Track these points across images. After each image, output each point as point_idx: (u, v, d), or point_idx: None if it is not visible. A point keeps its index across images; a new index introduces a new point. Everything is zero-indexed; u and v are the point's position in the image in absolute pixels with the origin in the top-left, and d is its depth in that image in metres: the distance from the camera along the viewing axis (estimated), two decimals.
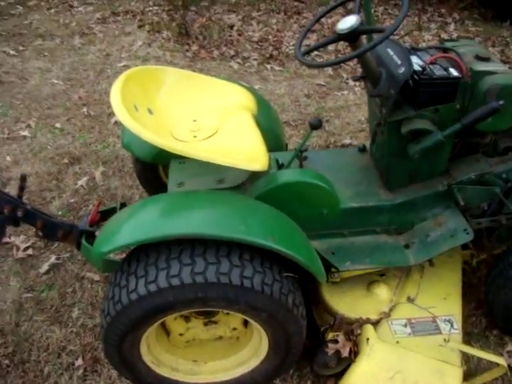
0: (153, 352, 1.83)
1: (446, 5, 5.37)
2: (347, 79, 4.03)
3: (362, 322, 2.00)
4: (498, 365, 1.93)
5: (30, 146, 3.31)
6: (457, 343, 1.96)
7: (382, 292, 2.11)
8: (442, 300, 2.11)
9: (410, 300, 2.10)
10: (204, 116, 2.04)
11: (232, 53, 4.30)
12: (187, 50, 4.29)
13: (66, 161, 3.17)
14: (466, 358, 2.10)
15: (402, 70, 1.75)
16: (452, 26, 4.97)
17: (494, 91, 1.73)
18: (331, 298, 2.09)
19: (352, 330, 2.00)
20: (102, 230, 1.73)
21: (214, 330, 1.98)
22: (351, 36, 1.69)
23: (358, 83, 3.92)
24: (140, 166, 2.54)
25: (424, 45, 4.54)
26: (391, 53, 1.87)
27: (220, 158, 1.77)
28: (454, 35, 4.81)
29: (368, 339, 1.92)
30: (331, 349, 1.93)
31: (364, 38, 1.91)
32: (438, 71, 1.83)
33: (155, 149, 2.18)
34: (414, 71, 1.82)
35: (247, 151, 1.86)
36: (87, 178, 3.02)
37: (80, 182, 2.99)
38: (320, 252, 1.93)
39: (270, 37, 4.55)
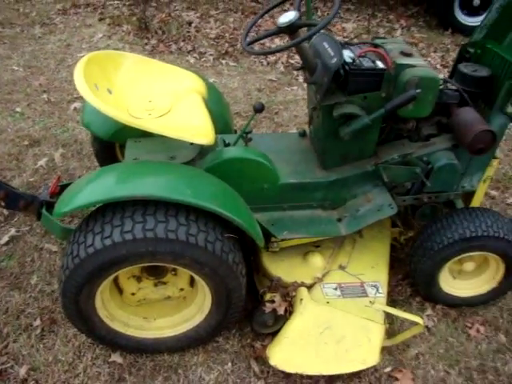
0: (107, 307, 2.01)
1: (395, 12, 5.74)
2: (297, 76, 4.29)
3: (297, 286, 2.24)
4: (416, 324, 2.21)
5: None
6: (381, 305, 2.22)
7: (317, 260, 2.36)
8: (370, 268, 2.38)
9: (342, 267, 2.36)
10: (158, 97, 2.24)
11: (189, 48, 4.50)
12: (146, 44, 4.46)
13: (26, 143, 3.28)
14: (391, 320, 2.37)
15: (333, 60, 1.99)
16: (399, 32, 5.34)
17: (414, 82, 1.99)
18: (270, 264, 2.32)
19: (288, 292, 2.23)
20: (62, 194, 1.90)
21: (163, 291, 2.18)
22: (290, 29, 1.93)
23: None
24: (98, 145, 2.70)
25: None
26: (326, 46, 2.11)
27: (171, 132, 1.98)
28: None
29: (301, 299, 2.17)
30: (268, 308, 2.17)
31: (303, 31, 2.14)
32: (367, 63, 2.08)
33: (113, 128, 2.37)
34: (346, 62, 2.07)
35: (196, 127, 2.06)
36: (47, 159, 3.15)
37: (40, 163, 3.11)
38: (261, 223, 2.17)
39: (226, 34, 4.77)
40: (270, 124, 3.63)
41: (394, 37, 5.18)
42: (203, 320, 2.08)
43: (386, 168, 2.23)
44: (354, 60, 2.08)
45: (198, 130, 2.06)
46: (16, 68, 4.05)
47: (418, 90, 1.99)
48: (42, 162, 3.11)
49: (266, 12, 2.23)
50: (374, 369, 2.18)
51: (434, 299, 2.47)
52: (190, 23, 4.89)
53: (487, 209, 2.35)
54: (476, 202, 2.56)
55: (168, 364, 2.15)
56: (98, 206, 1.86)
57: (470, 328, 2.39)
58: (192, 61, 4.38)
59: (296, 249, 2.37)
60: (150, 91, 2.27)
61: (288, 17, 1.93)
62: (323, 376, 2.10)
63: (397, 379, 2.15)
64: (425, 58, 4.84)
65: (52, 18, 4.90)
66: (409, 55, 2.12)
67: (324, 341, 2.07)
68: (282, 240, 2.29)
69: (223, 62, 4.43)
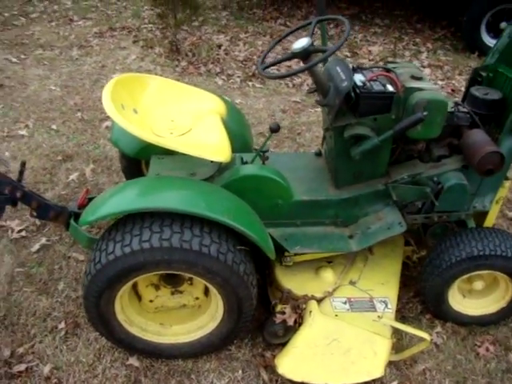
0: (126, 312, 2.14)
1: (421, 35, 5.82)
2: None
3: (307, 299, 2.33)
4: (423, 340, 2.26)
5: (27, 143, 3.64)
6: (389, 320, 2.28)
7: (328, 275, 2.45)
8: (380, 285, 2.45)
9: (352, 283, 2.44)
10: (180, 117, 2.40)
11: (218, 70, 4.70)
12: (177, 66, 4.69)
13: (59, 158, 3.50)
14: (400, 336, 2.42)
15: (344, 84, 2.11)
16: (424, 55, 5.41)
17: (422, 104, 2.08)
18: (283, 278, 2.41)
19: (298, 304, 2.32)
20: (89, 205, 2.07)
21: (179, 299, 2.30)
22: (303, 54, 2.06)
23: None
24: (125, 162, 2.87)
25: None
26: (339, 70, 2.23)
27: (191, 150, 2.13)
28: (425, 63, 5.24)
29: (311, 311, 2.25)
30: (279, 318, 2.26)
31: (316, 55, 2.27)
32: (377, 87, 2.19)
33: (138, 145, 2.54)
34: (357, 85, 2.18)
35: (214, 146, 2.20)
36: (78, 174, 3.36)
37: (71, 177, 3.32)
38: (275, 237, 2.29)
39: (254, 57, 4.96)
40: (292, 144, 3.76)
41: (419, 60, 5.27)
42: (216, 328, 2.19)
43: (395, 187, 2.31)
44: (364, 84, 2.18)
45: (216, 148, 2.19)
46: (53, 88, 4.33)
47: (425, 113, 2.07)
48: (74, 176, 3.32)
49: (282, 39, 2.37)
50: (381, 382, 2.23)
51: (443, 317, 2.50)
52: (219, 46, 5.11)
53: (496, 228, 2.39)
54: (489, 222, 2.60)
55: (182, 369, 2.26)
56: (120, 216, 2.02)
57: (480, 347, 2.41)
58: (220, 82, 4.58)
59: (309, 264, 2.46)
60: (173, 111, 2.43)
61: (301, 43, 2.07)
62: None
63: None
64: (449, 80, 4.89)
65: (89, 40, 5.21)
66: (419, 79, 2.21)
67: (331, 352, 2.14)
68: (296, 255, 2.40)
69: (250, 83, 4.60)
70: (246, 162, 2.46)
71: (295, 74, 2.16)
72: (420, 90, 2.13)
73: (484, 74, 2.47)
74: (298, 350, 2.16)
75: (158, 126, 2.33)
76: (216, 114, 2.39)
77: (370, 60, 5.01)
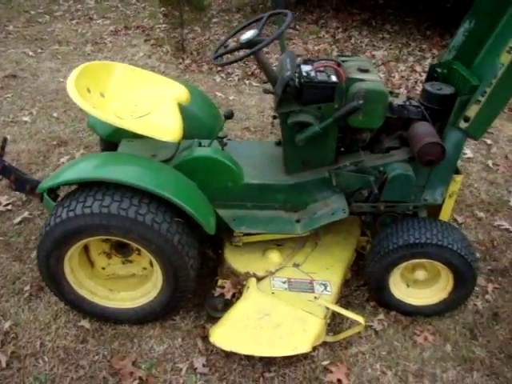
0: (76, 275, 2.33)
1: (429, 41, 5.82)
2: None
3: (249, 276, 2.45)
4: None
5: (28, 129, 3.94)
6: (324, 301, 2.37)
7: (274, 256, 2.56)
8: (324, 269, 2.54)
9: (296, 265, 2.54)
10: (142, 102, 2.57)
11: (219, 68, 4.88)
12: (180, 63, 4.91)
13: (54, 143, 3.77)
14: (340, 320, 2.50)
15: (287, 73, 2.24)
16: (428, 61, 5.41)
17: (360, 94, 2.17)
18: (230, 257, 2.55)
19: (239, 281, 2.45)
20: (49, 175, 2.28)
21: (129, 268, 2.48)
22: (249, 44, 2.22)
23: None
24: (103, 145, 3.07)
25: (397, 75, 5.01)
26: (287, 61, 2.36)
27: (143, 130, 2.31)
28: (427, 68, 5.22)
29: (248, 287, 2.38)
30: (217, 292, 2.40)
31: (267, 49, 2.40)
32: (321, 77, 2.30)
33: (111, 128, 2.74)
34: (302, 75, 2.31)
35: (165, 128, 2.37)
36: (68, 157, 3.61)
37: (62, 160, 3.57)
38: (223, 217, 2.43)
39: None
40: (275, 138, 3.86)
41: (422, 65, 5.27)
42: (157, 295, 2.34)
43: (337, 174, 2.41)
44: (308, 74, 2.30)
45: (168, 130, 2.36)
46: (62, 80, 4.63)
47: (361, 101, 2.17)
48: (64, 159, 3.57)
49: (236, 33, 2.51)
50: (312, 360, 2.32)
51: (387, 305, 2.56)
52: (225, 46, 5.27)
53: (439, 220, 2.44)
54: (444, 216, 2.64)
55: (127, 333, 2.42)
56: (74, 185, 2.22)
57: (419, 336, 2.46)
58: (218, 80, 4.76)
59: (258, 245, 2.58)
60: (137, 97, 2.61)
61: (247, 35, 2.23)
62: (260, 359, 2.28)
63: (331, 372, 2.27)
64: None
65: (104, 38, 5.53)
66: (364, 71, 2.31)
67: (261, 326, 2.25)
68: (244, 235, 2.53)
69: (247, 82, 4.76)
70: (203, 146, 2.62)
71: (240, 60, 2.29)
72: (361, 80, 2.23)
73: (439, 70, 2.54)
74: (231, 321, 2.27)
75: (121, 109, 2.51)
76: (174, 100, 2.55)
77: (373, 63, 5.08)
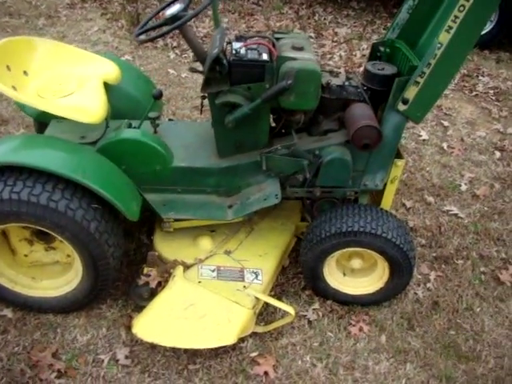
0: None
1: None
2: None
3: (176, 263, 2.34)
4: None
5: None
6: (253, 290, 2.27)
7: (205, 243, 2.45)
8: (256, 256, 2.43)
9: (227, 252, 2.43)
10: (67, 81, 2.40)
11: (174, 44, 4.68)
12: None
13: None
14: (274, 310, 2.41)
15: (214, 50, 2.09)
16: None
17: (291, 73, 2.04)
18: (160, 243, 2.44)
19: (167, 268, 2.34)
20: None
21: (53, 256, 2.35)
22: (174, 20, 2.06)
23: None
24: (37, 125, 2.91)
25: (358, 53, 4.87)
26: (217, 38, 2.22)
27: (61, 111, 2.17)
28: None
29: (174, 276, 2.27)
30: (142, 280, 2.28)
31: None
32: (251, 55, 2.16)
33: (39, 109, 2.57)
34: (231, 53, 2.16)
35: (85, 109, 2.22)
36: None
37: None
38: (152, 202, 2.31)
39: (212, 33, 4.92)
40: None
41: None
42: (79, 284, 2.22)
43: (268, 157, 2.28)
44: (237, 51, 2.16)
45: (87, 111, 2.21)
46: None
47: (290, 81, 2.05)
48: None
49: (161, 10, 2.33)
50: (240, 351, 2.24)
51: (322, 294, 2.48)
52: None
53: (375, 207, 2.34)
54: (386, 202, 2.55)
55: (50, 322, 2.31)
56: None
57: (354, 326, 2.38)
58: (172, 56, 4.57)
59: (190, 231, 2.47)
60: (63, 75, 2.43)
61: (172, 10, 2.08)
62: (185, 350, 2.18)
63: (258, 364, 2.19)
64: None
65: (59, 11, 5.26)
66: (299, 49, 2.17)
67: (185, 316, 2.15)
68: (175, 221, 2.41)
69: None
70: (133, 127, 2.48)
71: (162, 35, 2.14)
72: (293, 59, 2.10)
73: (382, 49, 2.42)
74: (154, 311, 2.17)
75: (45, 88, 2.34)
76: (99, 79, 2.39)
77: (333, 41, 4.93)
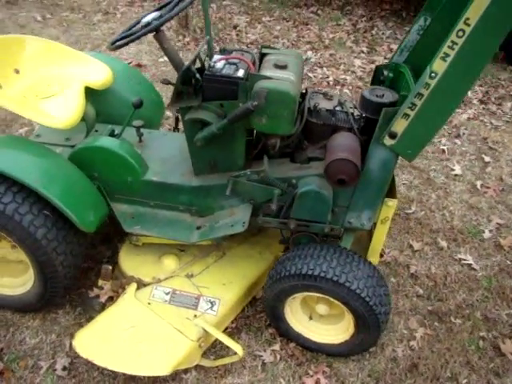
0: None
1: None
2: None
3: (133, 280, 2.26)
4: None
5: None
6: (203, 321, 2.12)
7: (169, 263, 2.34)
8: (219, 284, 2.29)
9: (189, 276, 2.31)
10: (55, 82, 2.41)
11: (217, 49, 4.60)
12: (179, 41, 4.69)
13: None
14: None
15: (186, 63, 1.98)
16: None
17: (262, 94, 1.86)
18: (124, 255, 2.37)
19: (122, 283, 2.27)
20: None
21: (17, 254, 2.33)
22: (151, 28, 1.97)
23: None
24: None
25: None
26: (197, 48, 2.10)
27: (32, 115, 2.18)
28: None
29: (125, 293, 2.18)
30: (94, 292, 2.23)
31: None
32: (227, 70, 2.01)
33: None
34: (205, 67, 2.04)
35: (61, 115, 2.19)
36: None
37: None
38: (121, 214, 2.27)
39: (262, 40, 4.78)
40: None
41: None
42: (32, 287, 2.21)
43: (237, 182, 2.12)
44: (212, 66, 2.02)
45: (61, 117, 2.18)
46: None
47: (255, 103, 1.89)
48: None
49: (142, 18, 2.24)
50: (179, 383, 2.10)
51: (285, 335, 2.27)
52: (235, 27, 5.01)
53: (348, 250, 2.10)
54: (376, 244, 2.30)
55: (6, 320, 2.32)
56: None
57: (310, 376, 2.16)
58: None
59: (158, 248, 2.38)
60: (52, 75, 2.44)
61: (148, 17, 1.99)
62: (124, 373, 2.08)
63: None
64: None
65: (117, 8, 5.39)
66: (281, 67, 2.00)
67: (125, 338, 2.06)
68: (143, 235, 2.33)
69: None
70: (115, 134, 2.43)
71: (133, 40, 2.04)
72: (265, 78, 1.92)
73: (386, 73, 2.18)
74: (95, 327, 2.10)
75: (32, 88, 2.37)
76: (82, 83, 2.36)
77: (385, 58, 4.58)
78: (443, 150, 3.58)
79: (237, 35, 4.88)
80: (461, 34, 1.66)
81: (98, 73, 2.47)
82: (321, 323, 2.23)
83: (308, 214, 2.14)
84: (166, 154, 2.40)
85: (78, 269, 2.25)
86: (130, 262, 2.34)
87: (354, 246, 2.46)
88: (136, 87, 2.71)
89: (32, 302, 2.25)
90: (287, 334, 2.25)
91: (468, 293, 2.59)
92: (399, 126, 1.87)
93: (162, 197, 2.28)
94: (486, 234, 2.92)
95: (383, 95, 2.01)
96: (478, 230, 2.96)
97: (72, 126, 2.19)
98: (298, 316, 2.22)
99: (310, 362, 2.22)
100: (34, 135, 2.54)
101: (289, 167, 2.20)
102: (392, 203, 2.16)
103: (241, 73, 1.99)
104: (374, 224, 2.22)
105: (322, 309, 2.15)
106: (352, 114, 2.10)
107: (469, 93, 4.26)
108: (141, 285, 2.25)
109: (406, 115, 1.85)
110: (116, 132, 2.42)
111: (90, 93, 2.40)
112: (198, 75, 2.01)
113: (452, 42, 1.68)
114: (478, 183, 3.29)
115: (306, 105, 2.13)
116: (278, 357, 2.23)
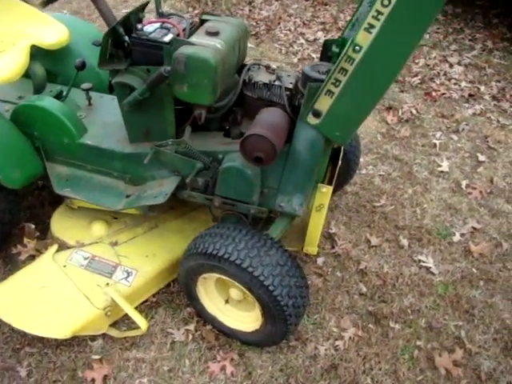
0: None
1: (489, 31, 4.75)
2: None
3: (57, 242, 2.24)
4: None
5: None
6: (113, 291, 2.07)
7: (97, 229, 2.31)
8: (141, 256, 2.23)
9: (113, 244, 2.26)
10: (6, 39, 2.39)
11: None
12: (187, 12, 4.61)
13: None
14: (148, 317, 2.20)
15: (115, 23, 1.91)
16: (473, 53, 4.38)
17: (181, 59, 1.76)
18: (57, 218, 2.36)
19: (46, 244, 2.26)
20: None
21: None
22: None
23: None
24: None
25: (422, 62, 4.21)
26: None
27: None
28: (466, 61, 4.26)
29: (42, 254, 2.17)
30: (17, 249, 2.24)
31: None
32: (155, 34, 1.92)
33: None
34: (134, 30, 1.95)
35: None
36: None
37: None
38: (56, 175, 2.27)
39: (273, 17, 4.61)
40: None
41: (462, 56, 4.32)
42: None
43: (159, 152, 2.04)
44: (139, 29, 1.93)
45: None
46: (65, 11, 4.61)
47: (168, 68, 1.79)
48: None
49: None
50: (83, 349, 2.08)
51: (203, 317, 2.18)
52: (250, 2, 4.86)
53: (261, 234, 1.94)
54: (312, 232, 2.17)
55: None
56: None
57: (217, 362, 2.06)
58: None
59: (93, 212, 2.34)
60: (6, 32, 2.43)
61: None
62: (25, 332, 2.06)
63: (91, 368, 2.01)
64: (477, 85, 3.94)
65: None
66: (212, 34, 1.89)
67: (34, 297, 2.05)
68: (70, 198, 2.30)
69: None
70: (61, 96, 2.41)
71: None
72: (189, 44, 1.82)
73: (334, 48, 2.01)
74: (10, 283, 2.11)
75: None
76: (28, 39, 2.33)
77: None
78: (435, 144, 3.31)
79: (249, 10, 4.74)
80: (386, 2, 1.49)
81: (53, 33, 2.43)
82: (236, 308, 2.12)
83: (232, 192, 2.03)
84: (110, 119, 2.34)
85: (4, 224, 2.24)
86: (59, 224, 2.32)
87: (296, 234, 2.36)
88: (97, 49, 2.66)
89: None
90: (203, 315, 2.16)
91: (418, 298, 2.38)
92: (323, 103, 1.72)
93: (97, 161, 2.24)
94: (456, 238, 2.67)
95: (327, 72, 1.85)
96: (448, 233, 2.71)
97: (6, 83, 2.17)
98: (213, 298, 2.11)
99: (221, 347, 2.12)
100: None
101: (218, 141, 2.09)
102: (326, 189, 2.02)
103: (168, 38, 1.89)
104: None
105: (234, 293, 2.04)
106: (290, 89, 1.96)
107: (481, 87, 3.92)
108: (64, 247, 2.24)
109: (330, 92, 1.69)
110: (64, 93, 2.40)
111: (45, 52, 2.38)
112: (126, 37, 1.93)
113: (377, 11, 1.51)
114: (464, 183, 3.01)
115: (242, 76, 2.01)
116: (190, 337, 2.15)
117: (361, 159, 3.18)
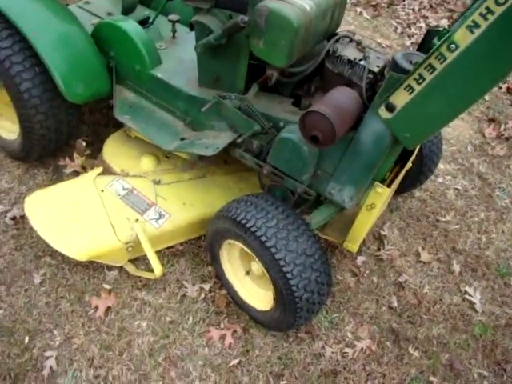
0: None
1: None
2: None
3: (104, 166, 2.25)
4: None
5: None
6: (141, 229, 2.05)
7: (146, 163, 2.28)
8: (179, 202, 2.19)
9: (156, 182, 2.23)
10: None
11: None
12: None
13: None
14: (170, 261, 2.18)
15: None
16: None
17: (263, 12, 1.62)
18: (111, 142, 2.37)
19: (93, 164, 2.28)
20: None
21: None
22: None
23: None
24: None
25: None
26: None
27: None
28: None
29: (85, 173, 2.19)
30: (65, 162, 2.28)
31: None
32: None
33: None
34: None
35: None
36: None
37: None
38: (122, 99, 2.27)
39: None
40: None
41: None
42: (17, 136, 2.30)
43: (219, 103, 1.94)
44: None
45: None
46: None
47: (246, 19, 1.67)
48: None
49: None
50: (98, 277, 2.12)
51: (221, 280, 2.12)
52: None
53: (300, 219, 1.80)
54: (357, 230, 2.02)
55: None
56: None
57: (218, 330, 2.01)
58: None
59: (147, 146, 2.31)
60: None
61: None
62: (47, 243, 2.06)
63: (99, 296, 2.04)
64: None
65: None
66: None
67: (64, 211, 2.08)
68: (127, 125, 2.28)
69: None
70: (147, 22, 2.36)
71: None
72: None
73: (436, 40, 1.76)
74: (47, 193, 2.15)
75: None
76: None
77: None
78: None
79: None
80: (502, 0, 1.25)
81: None
82: (254, 283, 2.03)
83: (284, 164, 1.90)
84: (188, 56, 2.25)
85: (60, 134, 2.27)
86: (111, 149, 2.32)
87: (342, 225, 2.19)
88: None
89: (16, 149, 2.36)
90: (221, 279, 2.10)
91: (449, 331, 2.16)
92: (399, 98, 1.54)
93: (163, 96, 2.19)
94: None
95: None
96: (508, 272, 2.41)
97: None
98: (234, 265, 2.04)
99: (229, 316, 2.06)
100: (84, 1, 2.56)
101: (285, 108, 1.95)
102: (381, 190, 1.84)
103: None
104: None
105: (255, 267, 1.94)
106: (374, 73, 1.76)
107: None
108: (109, 172, 2.24)
109: (410, 88, 1.50)
110: (151, 19, 2.35)
111: None
112: None
113: (487, 8, 1.28)
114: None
115: (327, 46, 1.83)
116: (202, 296, 2.10)
117: (441, 166, 2.91)
